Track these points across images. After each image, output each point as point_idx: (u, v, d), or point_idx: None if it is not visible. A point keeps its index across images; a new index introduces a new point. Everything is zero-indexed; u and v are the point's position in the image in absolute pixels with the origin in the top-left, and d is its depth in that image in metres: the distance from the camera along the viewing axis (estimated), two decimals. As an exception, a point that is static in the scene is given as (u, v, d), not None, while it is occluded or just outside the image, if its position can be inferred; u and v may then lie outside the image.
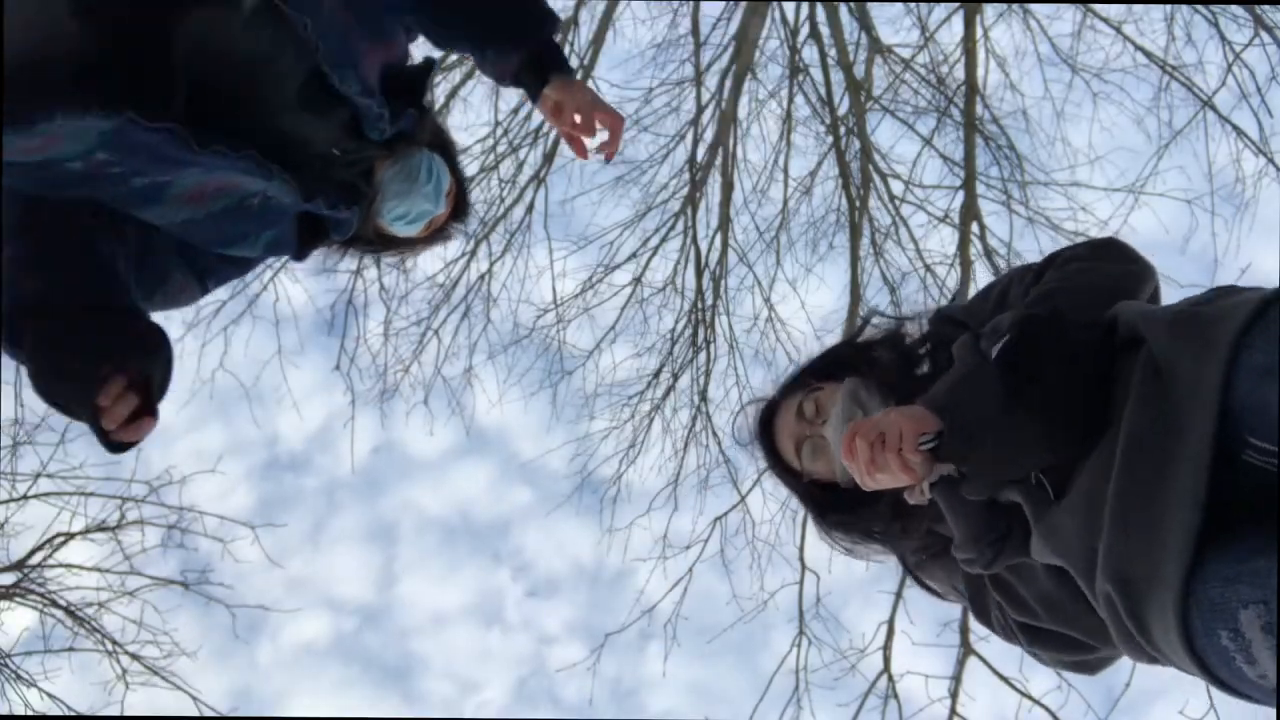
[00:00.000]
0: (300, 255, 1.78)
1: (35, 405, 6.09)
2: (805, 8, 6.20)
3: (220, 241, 1.64)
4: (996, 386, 1.28)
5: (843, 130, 6.29)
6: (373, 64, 1.66)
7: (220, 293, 6.07)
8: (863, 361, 1.63)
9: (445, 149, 1.91)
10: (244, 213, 1.61)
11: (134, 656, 6.43)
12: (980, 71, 5.87)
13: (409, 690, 7.97)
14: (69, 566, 6.55)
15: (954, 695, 5.63)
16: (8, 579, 6.46)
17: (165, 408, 1.44)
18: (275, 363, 6.14)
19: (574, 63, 6.16)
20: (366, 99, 1.62)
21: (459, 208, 1.96)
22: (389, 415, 6.47)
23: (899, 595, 5.91)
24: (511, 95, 6.42)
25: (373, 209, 1.81)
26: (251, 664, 7.47)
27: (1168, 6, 5.63)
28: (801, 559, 6.19)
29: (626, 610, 6.23)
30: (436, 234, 1.95)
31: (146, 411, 1.39)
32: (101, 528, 6.45)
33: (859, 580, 6.74)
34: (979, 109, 5.90)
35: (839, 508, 1.61)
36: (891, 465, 1.30)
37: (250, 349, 6.13)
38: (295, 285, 6.21)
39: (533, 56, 1.75)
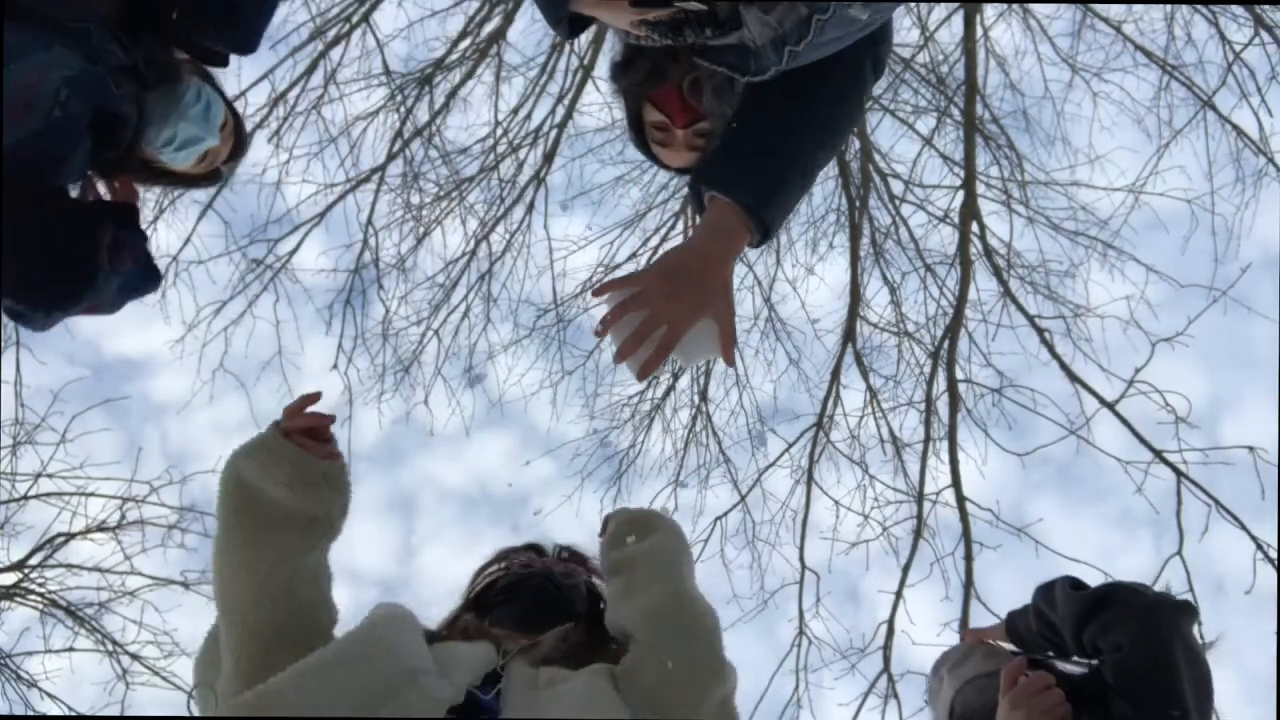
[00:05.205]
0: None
1: (35, 405, 6.11)
2: (805, 7, 6.19)
3: (53, 164, 1.61)
4: None
5: (843, 130, 6.27)
6: None
7: (220, 292, 6.09)
8: None
9: (209, 79, 1.89)
10: (56, 130, 1.57)
11: (134, 656, 6.43)
12: (980, 71, 5.87)
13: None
14: (69, 566, 6.55)
15: (954, 695, 5.62)
16: (8, 579, 6.46)
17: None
18: (290, 335, 6.14)
19: (573, 63, 6.17)
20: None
21: (236, 147, 1.94)
22: (407, 391, 6.48)
23: (899, 595, 5.92)
24: (511, 96, 6.43)
25: (138, 136, 1.78)
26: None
27: (1168, 6, 5.63)
28: (801, 559, 6.20)
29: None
30: (211, 173, 1.93)
31: None
32: (101, 528, 6.45)
33: (859, 581, 6.73)
34: (979, 109, 5.90)
35: None
36: None
37: (254, 340, 6.13)
38: (295, 285, 6.22)
39: None
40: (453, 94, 6.33)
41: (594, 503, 6.40)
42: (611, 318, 1.33)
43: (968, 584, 5.68)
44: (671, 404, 6.51)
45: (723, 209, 1.37)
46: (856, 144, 6.23)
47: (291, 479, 1.39)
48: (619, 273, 6.40)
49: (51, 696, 6.28)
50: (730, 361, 1.42)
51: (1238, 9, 5.34)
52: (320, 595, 1.40)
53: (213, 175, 1.96)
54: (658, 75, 1.65)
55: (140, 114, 1.76)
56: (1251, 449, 5.01)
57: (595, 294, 1.40)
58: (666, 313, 1.31)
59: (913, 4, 5.46)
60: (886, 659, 5.83)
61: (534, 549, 1.70)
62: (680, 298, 1.32)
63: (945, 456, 5.94)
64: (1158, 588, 1.79)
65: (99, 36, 1.64)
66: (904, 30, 6.08)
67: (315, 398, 1.47)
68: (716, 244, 1.38)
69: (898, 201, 6.18)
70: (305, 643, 1.27)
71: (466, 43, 6.38)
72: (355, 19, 6.21)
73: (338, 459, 1.45)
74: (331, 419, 1.46)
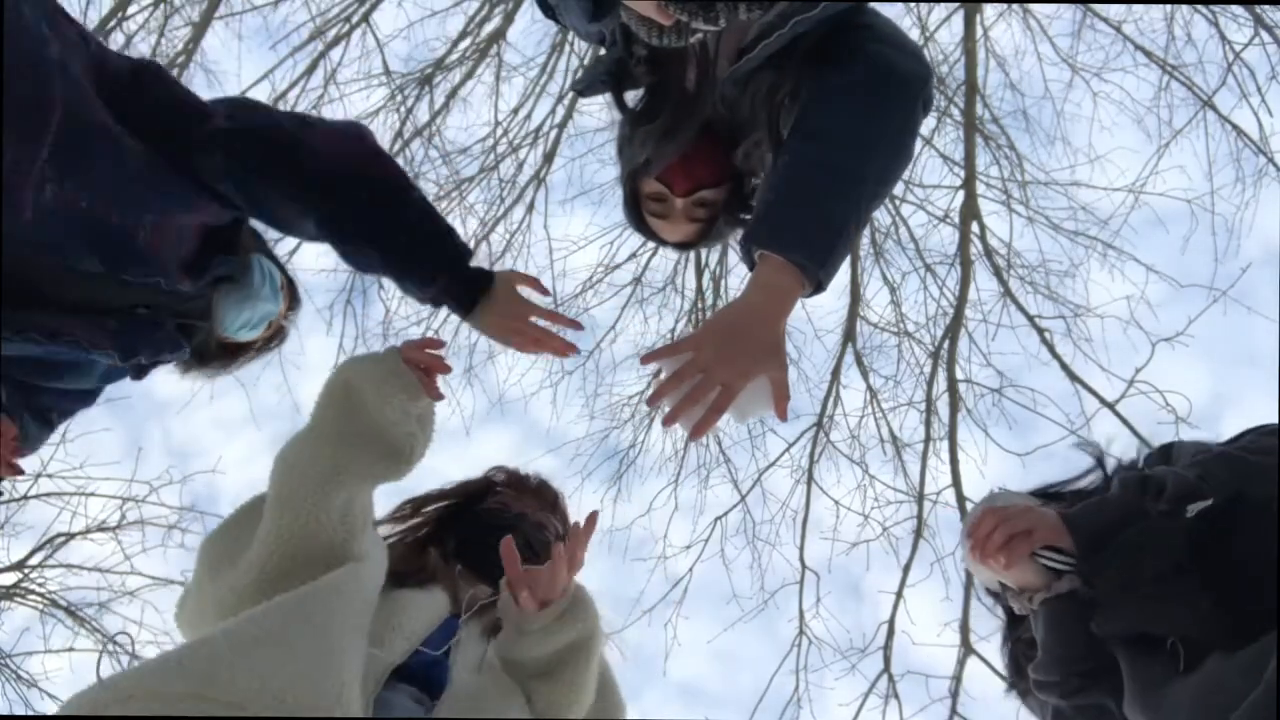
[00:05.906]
0: (138, 375, 1.81)
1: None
2: (805, 8, 6.19)
3: (55, 372, 1.67)
4: (1179, 543, 1.22)
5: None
6: (168, 232, 1.59)
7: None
8: None
9: (263, 247, 1.93)
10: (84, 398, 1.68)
11: (134, 656, 6.43)
12: (980, 71, 5.87)
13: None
14: (69, 566, 6.56)
15: (954, 695, 5.63)
16: (8, 579, 6.47)
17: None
18: (290, 335, 6.12)
19: (573, 63, 6.17)
20: (152, 278, 1.58)
21: (292, 299, 2.02)
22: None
23: (899, 595, 5.92)
24: (512, 96, 6.44)
25: (214, 330, 1.85)
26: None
27: (1168, 6, 5.63)
28: (802, 559, 6.20)
29: (648, 576, 6.29)
30: (277, 332, 2.02)
31: None
32: (101, 528, 6.46)
33: (859, 580, 6.74)
34: (979, 109, 5.90)
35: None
36: (1023, 568, 1.32)
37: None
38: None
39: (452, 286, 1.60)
40: (453, 94, 6.34)
41: (595, 502, 6.42)
42: (665, 389, 1.27)
43: (968, 584, 5.68)
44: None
45: (776, 266, 1.30)
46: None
47: (392, 398, 1.40)
48: (618, 273, 6.42)
49: (52, 696, 6.30)
50: (783, 418, 1.34)
51: (1238, 9, 5.35)
52: (359, 533, 1.39)
53: (280, 334, 2.03)
54: (679, 128, 1.57)
55: (205, 313, 1.82)
56: (1252, 449, 5.00)
57: (644, 361, 1.34)
58: (720, 375, 1.26)
59: (913, 4, 5.46)
60: (887, 659, 5.84)
61: (516, 483, 1.73)
62: (733, 360, 1.26)
63: (945, 456, 5.96)
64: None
65: (169, 280, 1.60)
66: (904, 30, 6.08)
67: (440, 344, 1.48)
68: (770, 303, 1.31)
69: (897, 201, 6.18)
70: (326, 569, 1.27)
71: (466, 43, 6.39)
72: (355, 19, 6.22)
73: (439, 400, 1.47)
74: (449, 369, 1.49)
